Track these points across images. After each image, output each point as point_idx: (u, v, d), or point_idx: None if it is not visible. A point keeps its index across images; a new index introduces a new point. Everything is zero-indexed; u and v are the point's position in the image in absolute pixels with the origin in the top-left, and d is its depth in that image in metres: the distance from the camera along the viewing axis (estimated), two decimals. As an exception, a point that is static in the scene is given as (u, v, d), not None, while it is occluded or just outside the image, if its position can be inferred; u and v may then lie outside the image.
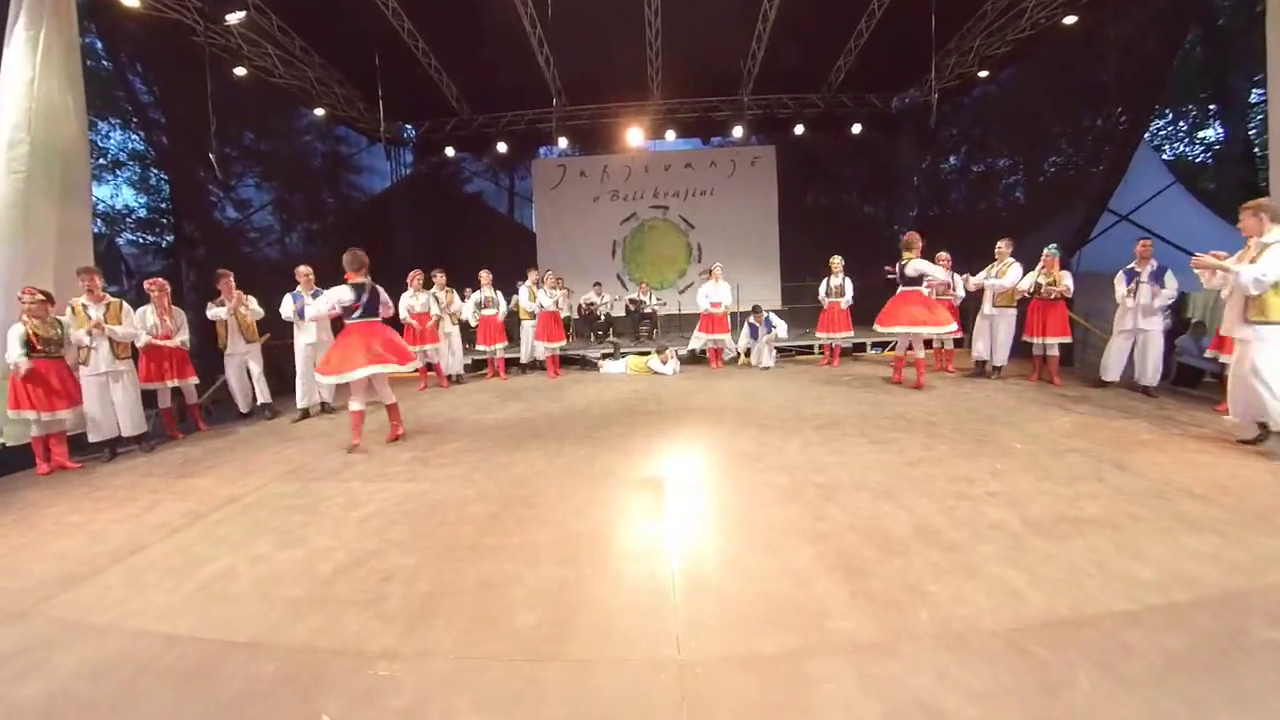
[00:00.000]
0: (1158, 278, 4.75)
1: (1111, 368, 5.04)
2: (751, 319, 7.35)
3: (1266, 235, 3.23)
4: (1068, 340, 5.44)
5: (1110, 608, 1.81)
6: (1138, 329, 4.86)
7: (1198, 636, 1.66)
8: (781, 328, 7.30)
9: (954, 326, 5.32)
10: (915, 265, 5.24)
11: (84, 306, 4.22)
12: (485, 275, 7.11)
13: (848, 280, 7.05)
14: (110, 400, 4.30)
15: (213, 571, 2.33)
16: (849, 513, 2.62)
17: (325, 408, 5.61)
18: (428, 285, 6.75)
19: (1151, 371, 4.81)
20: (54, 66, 4.50)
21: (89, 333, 4.15)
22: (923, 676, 1.55)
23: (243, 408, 5.52)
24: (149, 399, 4.70)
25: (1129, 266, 4.92)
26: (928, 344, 6.12)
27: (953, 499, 2.72)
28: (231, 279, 5.30)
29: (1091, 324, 6.16)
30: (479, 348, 7.19)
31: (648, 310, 9.15)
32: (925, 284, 5.42)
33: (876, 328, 5.43)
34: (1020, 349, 5.77)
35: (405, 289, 6.61)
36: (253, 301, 5.40)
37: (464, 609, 2.00)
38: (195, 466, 3.94)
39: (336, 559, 2.39)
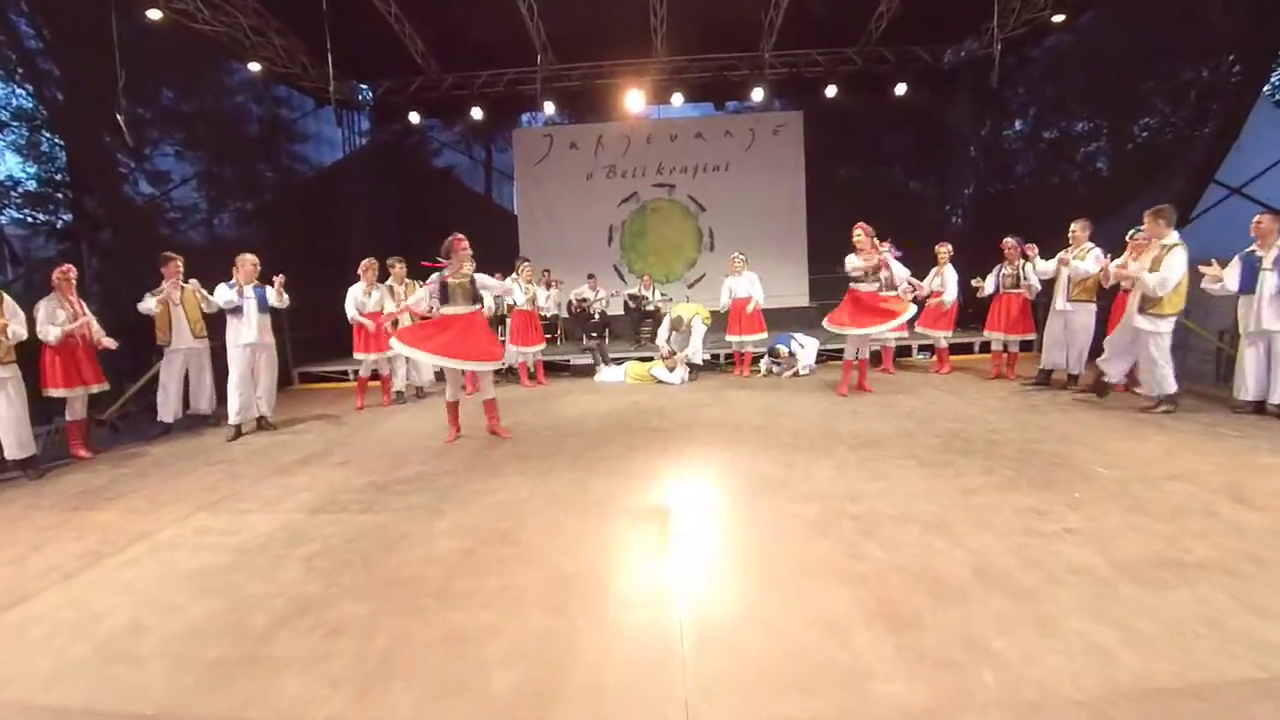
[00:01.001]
0: None
1: (1252, 386, 4.60)
2: (768, 359, 7.39)
3: (1167, 238, 4.52)
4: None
5: (1227, 675, 1.77)
6: (1263, 330, 4.49)
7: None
8: (809, 351, 7.32)
9: (902, 320, 5.70)
10: (850, 261, 5.65)
11: None
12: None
13: (950, 270, 6.94)
14: None
15: (115, 627, 2.30)
16: (893, 550, 2.60)
17: (263, 423, 5.60)
18: (384, 278, 6.72)
19: None
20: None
21: None
22: (987, 752, 1.52)
23: (167, 416, 5.52)
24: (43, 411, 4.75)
25: (1248, 251, 4.61)
26: (989, 348, 6.43)
27: (1021, 535, 2.70)
28: (180, 263, 5.40)
29: (1195, 325, 6.09)
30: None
31: (650, 308, 9.14)
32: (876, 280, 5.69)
33: (826, 326, 5.89)
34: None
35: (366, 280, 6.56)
36: (199, 288, 5.49)
37: (428, 668, 1.97)
38: (96, 497, 3.91)
39: (272, 609, 2.37)
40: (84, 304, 5.03)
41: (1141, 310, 4.62)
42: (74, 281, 4.96)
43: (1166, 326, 4.60)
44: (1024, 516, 2.89)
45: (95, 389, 5.07)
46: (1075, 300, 5.58)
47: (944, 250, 6.86)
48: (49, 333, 4.66)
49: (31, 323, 4.56)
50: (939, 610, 2.14)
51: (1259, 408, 4.61)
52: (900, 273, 5.94)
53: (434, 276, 4.69)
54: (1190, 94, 6.70)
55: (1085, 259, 5.40)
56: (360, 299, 6.35)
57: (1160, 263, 4.50)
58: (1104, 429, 4.37)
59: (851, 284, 5.81)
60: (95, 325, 5.03)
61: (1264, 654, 1.85)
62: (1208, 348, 5.98)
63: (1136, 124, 7.62)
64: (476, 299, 4.77)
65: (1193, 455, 3.71)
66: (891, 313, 5.63)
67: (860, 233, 5.69)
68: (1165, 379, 4.66)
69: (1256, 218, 4.67)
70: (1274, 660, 1.82)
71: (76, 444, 4.95)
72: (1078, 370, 5.72)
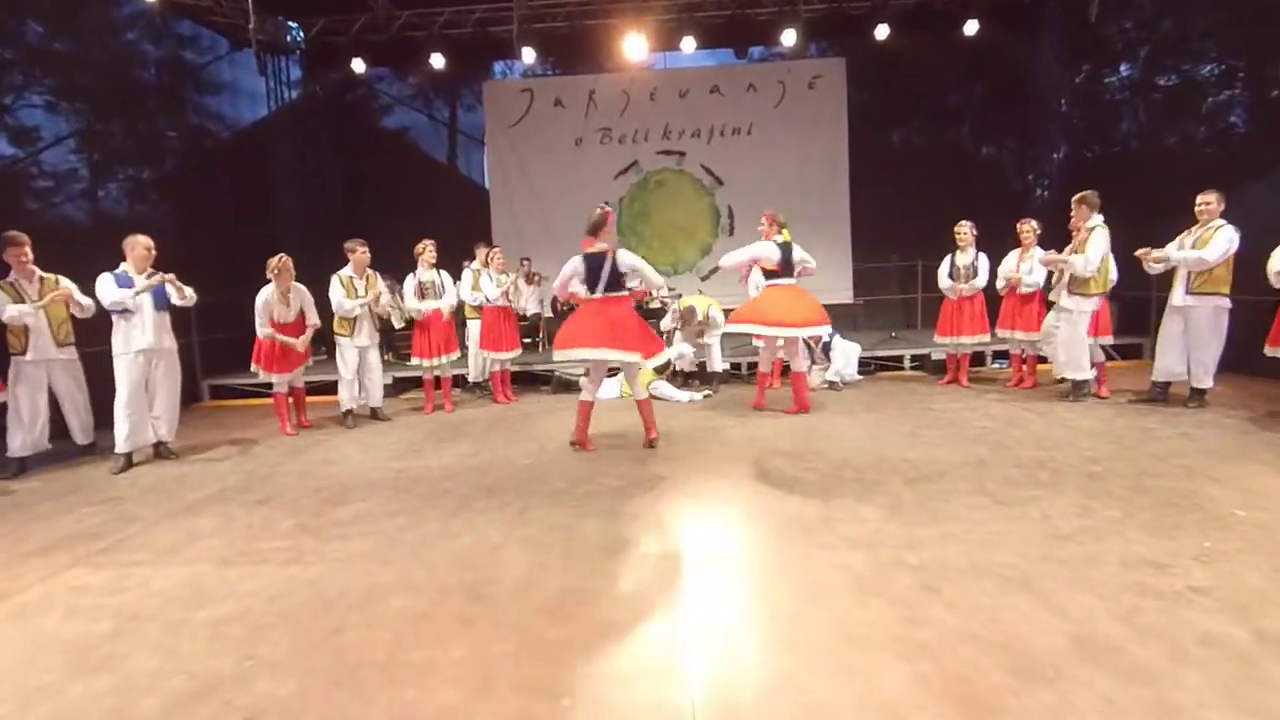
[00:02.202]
0: None
1: None
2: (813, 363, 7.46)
3: (1089, 222, 5.84)
4: None
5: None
6: None
7: None
8: (850, 359, 7.40)
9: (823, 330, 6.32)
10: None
11: None
12: (427, 248, 6.99)
13: (982, 257, 7.04)
14: None
15: (-36, 712, 2.27)
16: (964, 613, 2.58)
17: (161, 450, 5.59)
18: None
19: None
20: None
21: None
22: None
23: (20, 449, 5.35)
24: None
25: None
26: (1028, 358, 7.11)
27: (1133, 595, 2.67)
28: (27, 248, 5.23)
29: None
30: (415, 361, 7.15)
31: (653, 305, 9.13)
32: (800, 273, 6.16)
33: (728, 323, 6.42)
34: (1243, 361, 5.61)
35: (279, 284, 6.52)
36: (74, 288, 5.35)
37: (366, 766, 1.95)
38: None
39: (168, 690, 2.34)
40: None
41: (1069, 290, 5.91)
42: None
43: (1089, 306, 5.89)
44: (1135, 570, 2.86)
45: None
46: (1197, 293, 5.49)
47: (1028, 227, 6.83)
48: None
49: None
50: (1025, 692, 2.10)
51: None
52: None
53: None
54: None
55: (1211, 239, 5.31)
56: (273, 307, 6.11)
57: (1084, 245, 5.75)
58: (1244, 459, 4.34)
59: (768, 281, 6.16)
60: None
61: None
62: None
63: None
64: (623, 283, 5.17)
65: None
66: (819, 316, 6.04)
67: (765, 222, 6.13)
68: (1078, 362, 5.95)
69: None
70: None
71: None
72: (1206, 383, 5.64)
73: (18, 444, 5.33)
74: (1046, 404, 6.14)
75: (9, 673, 2.50)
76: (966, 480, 4.11)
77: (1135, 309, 8.05)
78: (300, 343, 6.29)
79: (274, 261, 6.09)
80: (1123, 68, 9.78)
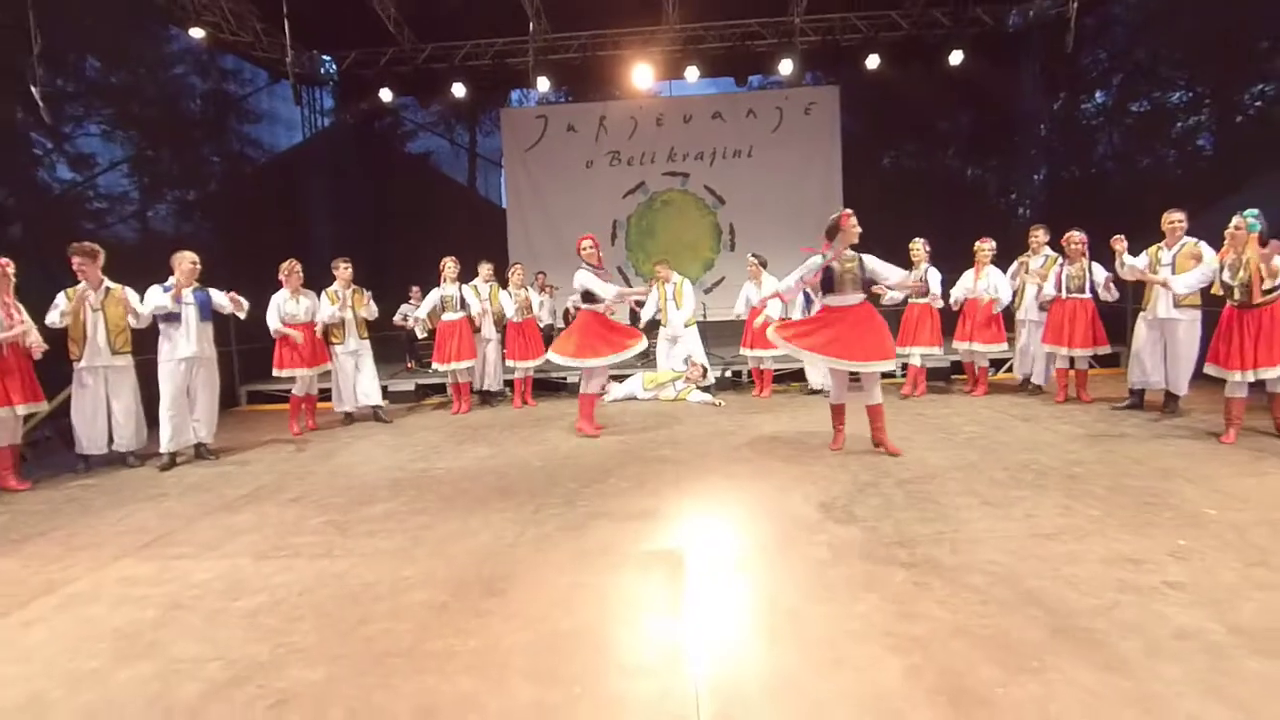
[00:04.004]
0: None
1: None
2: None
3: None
4: None
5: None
6: None
7: None
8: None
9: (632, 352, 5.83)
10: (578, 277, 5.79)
11: None
12: (447, 264, 7.16)
13: (933, 271, 7.04)
14: None
15: (9, 701, 2.26)
16: (953, 608, 2.56)
17: (202, 451, 5.62)
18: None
19: None
20: None
21: None
22: None
23: (88, 448, 5.41)
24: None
25: None
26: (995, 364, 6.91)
27: (1113, 591, 2.64)
28: (101, 258, 5.24)
29: None
30: (436, 366, 7.25)
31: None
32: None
33: (551, 355, 6.11)
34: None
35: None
36: (131, 298, 5.35)
37: (390, 749, 1.93)
38: None
39: (207, 675, 2.34)
40: (20, 307, 4.90)
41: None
42: (12, 278, 4.81)
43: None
44: (1115, 567, 2.83)
45: (24, 409, 4.90)
46: (1181, 306, 5.43)
47: (986, 247, 6.83)
48: None
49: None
50: (1012, 684, 2.08)
51: None
52: (603, 291, 5.84)
53: (815, 260, 4.64)
54: None
55: (1206, 258, 5.23)
56: (286, 307, 6.40)
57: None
58: (1216, 461, 4.31)
59: (585, 305, 5.89)
60: (35, 334, 4.91)
61: None
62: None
63: (1248, 92, 7.52)
64: (866, 286, 4.77)
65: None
66: (620, 344, 5.79)
67: (589, 244, 5.76)
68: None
69: None
70: None
71: (5, 474, 4.88)
72: (1182, 391, 5.58)
73: (84, 442, 5.38)
74: (1032, 410, 6.10)
75: (59, 658, 2.51)
76: (956, 482, 4.09)
77: (1112, 319, 7.99)
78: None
79: (285, 266, 6.40)
80: (1098, 95, 9.82)
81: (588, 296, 5.76)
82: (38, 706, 2.22)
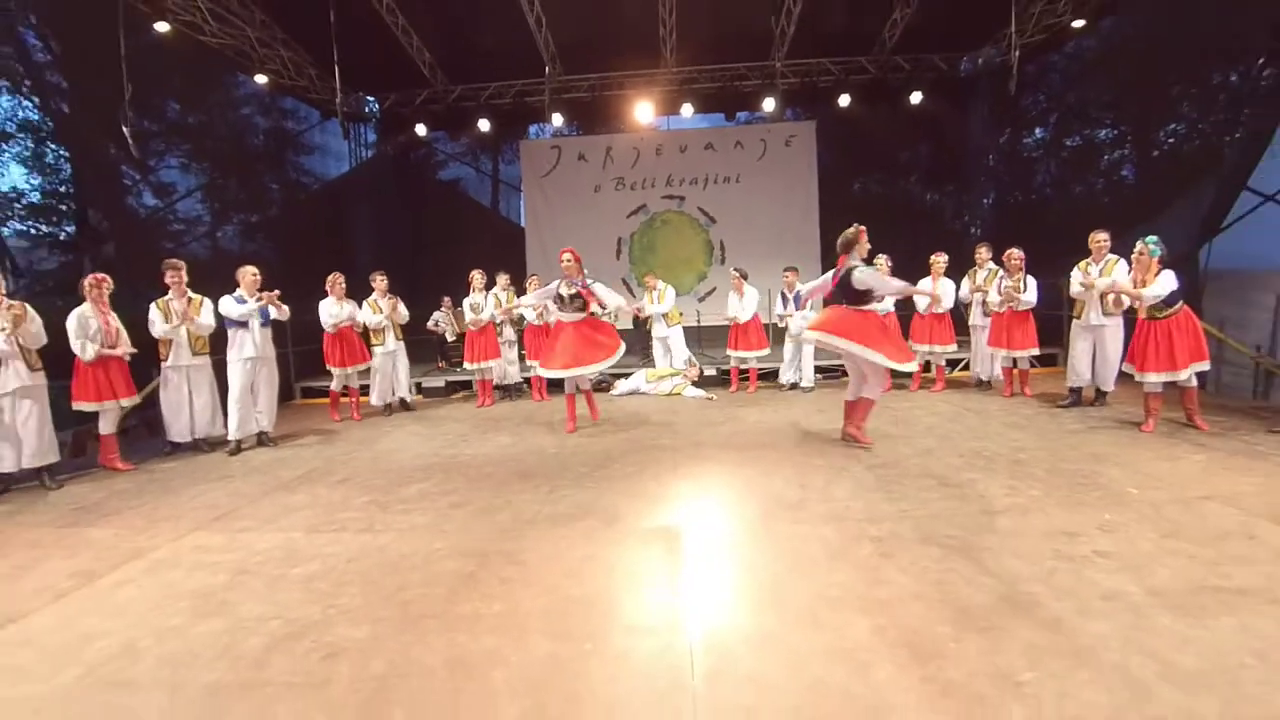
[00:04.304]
0: None
1: None
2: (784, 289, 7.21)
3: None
4: (1204, 366, 4.83)
5: (1278, 710, 1.71)
6: None
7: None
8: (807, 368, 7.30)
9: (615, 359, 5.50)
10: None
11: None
12: (474, 277, 7.22)
13: (945, 282, 6.89)
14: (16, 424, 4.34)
15: (106, 650, 2.28)
16: (914, 575, 2.56)
17: (263, 439, 5.62)
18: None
19: None
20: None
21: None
22: (1020, 793, 1.47)
23: (176, 436, 5.47)
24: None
25: None
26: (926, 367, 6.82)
27: (1050, 559, 2.65)
28: (184, 272, 5.32)
29: (1229, 337, 6.01)
30: (466, 365, 7.30)
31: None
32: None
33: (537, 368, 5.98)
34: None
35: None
36: (206, 307, 5.40)
37: (429, 697, 1.95)
38: (92, 513, 3.91)
39: (269, 631, 2.35)
40: (114, 316, 4.99)
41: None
42: (107, 291, 4.93)
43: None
44: (1052, 539, 2.84)
45: (125, 402, 5.02)
46: (1108, 314, 5.45)
47: (940, 260, 6.78)
48: (86, 350, 4.68)
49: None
50: (964, 640, 2.09)
51: None
52: (611, 301, 5.66)
53: (827, 276, 4.69)
54: (1220, 97, 6.67)
55: (1113, 271, 5.32)
56: (334, 312, 6.49)
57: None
58: (1138, 447, 4.31)
59: (559, 313, 5.64)
60: (124, 336, 5.04)
61: (1316, 689, 1.78)
62: (1243, 361, 5.88)
63: (1163, 130, 7.58)
64: (864, 298, 4.58)
65: (1233, 475, 3.63)
66: (606, 348, 5.44)
67: (569, 257, 5.52)
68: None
69: None
70: (1327, 696, 1.76)
71: (112, 458, 4.96)
72: (1109, 387, 5.63)
73: (173, 431, 5.47)
74: (982, 404, 6.08)
75: (143, 614, 2.54)
76: (917, 465, 4.09)
77: (1049, 325, 7.99)
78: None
79: (330, 278, 6.54)
80: (1038, 131, 9.86)
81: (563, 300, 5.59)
82: (131, 654, 2.25)
